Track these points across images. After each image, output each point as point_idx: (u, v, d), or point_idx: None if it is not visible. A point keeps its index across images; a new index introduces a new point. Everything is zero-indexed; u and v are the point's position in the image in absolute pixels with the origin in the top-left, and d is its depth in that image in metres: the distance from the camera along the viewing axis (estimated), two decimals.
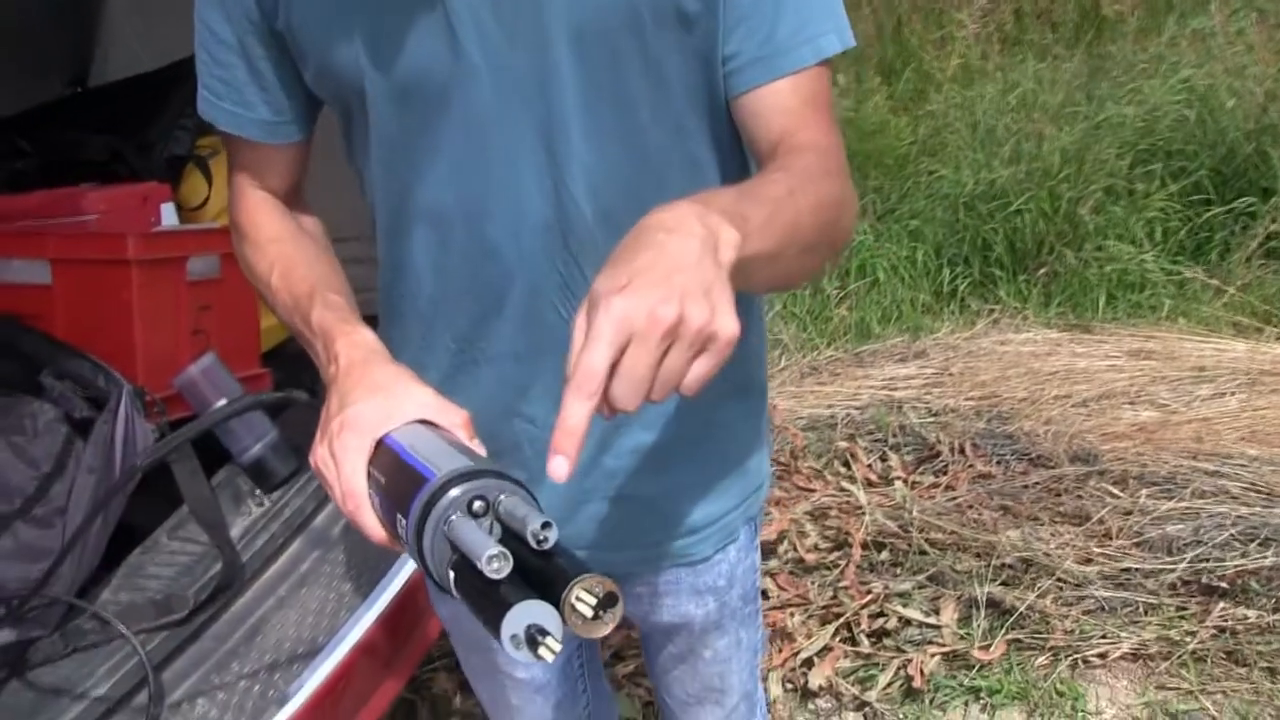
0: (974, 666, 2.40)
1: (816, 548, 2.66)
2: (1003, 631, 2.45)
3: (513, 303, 1.16)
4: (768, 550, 2.65)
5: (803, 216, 0.96)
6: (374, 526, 0.92)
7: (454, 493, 0.85)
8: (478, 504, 0.85)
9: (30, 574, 1.84)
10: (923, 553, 2.60)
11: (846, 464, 2.95)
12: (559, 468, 0.79)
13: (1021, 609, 2.48)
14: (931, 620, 2.49)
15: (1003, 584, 2.54)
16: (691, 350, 0.80)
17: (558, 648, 0.79)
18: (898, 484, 2.78)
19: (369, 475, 0.94)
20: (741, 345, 1.22)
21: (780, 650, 2.44)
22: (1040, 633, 2.47)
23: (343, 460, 0.93)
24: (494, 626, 0.79)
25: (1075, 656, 2.44)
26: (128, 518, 2.02)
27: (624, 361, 0.78)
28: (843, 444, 3.00)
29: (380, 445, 0.95)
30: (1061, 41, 5.48)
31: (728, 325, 0.81)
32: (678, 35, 1.07)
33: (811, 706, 2.42)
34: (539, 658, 0.79)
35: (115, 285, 2.05)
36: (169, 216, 2.28)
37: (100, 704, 1.69)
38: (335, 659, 1.82)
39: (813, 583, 2.57)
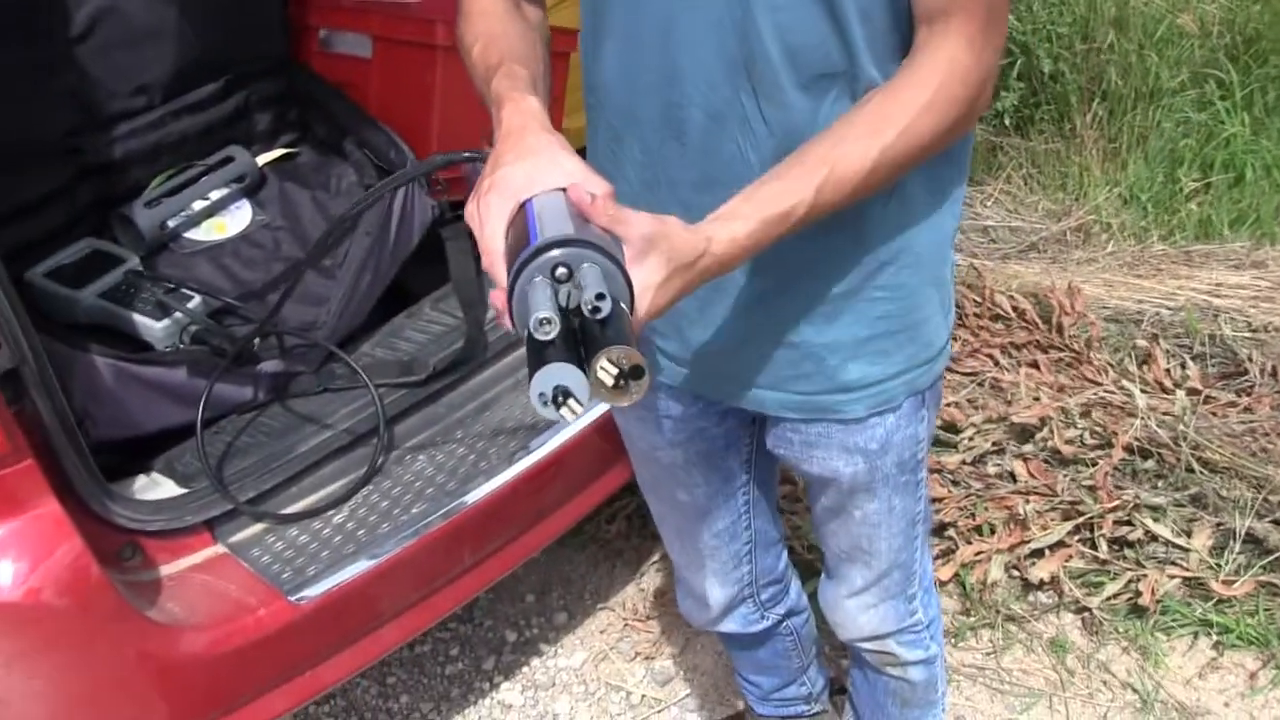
0: (1212, 599, 2.20)
1: (1082, 442, 2.48)
2: (1257, 570, 2.22)
3: (693, 129, 1.14)
4: (1025, 434, 2.50)
5: (840, 195, 1.03)
6: (503, 282, 0.94)
7: (542, 258, 0.88)
8: (560, 270, 0.88)
9: (309, 316, 2.01)
10: (1190, 470, 2.37)
11: (1143, 364, 2.71)
12: None
13: None
14: (1180, 541, 2.28)
15: (1273, 522, 2.29)
16: None
17: (579, 409, 0.83)
18: (1179, 394, 2.53)
19: (506, 235, 0.97)
20: (907, 212, 1.16)
21: (1010, 534, 2.32)
22: None
23: (486, 219, 0.96)
24: (529, 379, 0.84)
25: None
26: (409, 284, 2.17)
27: None
28: (1143, 343, 2.76)
29: (521, 208, 0.97)
30: None
31: None
32: None
33: (1030, 598, 2.30)
34: (561, 417, 0.84)
35: (422, 67, 2.14)
36: None
37: (335, 440, 1.85)
38: (549, 447, 1.89)
39: (1064, 476, 2.41)
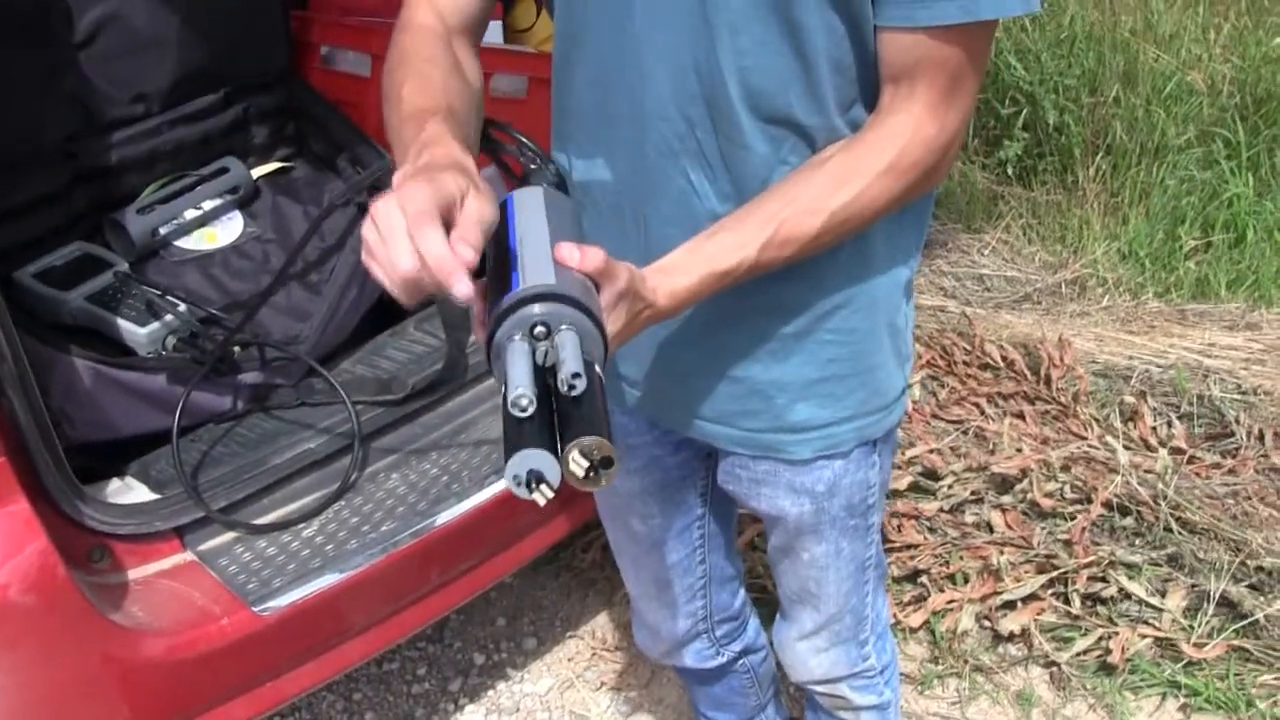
0: (1183, 661, 2.23)
1: (1061, 495, 2.52)
2: (1230, 634, 2.25)
3: (650, 158, 1.17)
4: (1005, 484, 2.54)
5: (785, 254, 1.09)
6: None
7: (521, 313, 0.89)
8: (539, 329, 0.89)
9: (292, 330, 2.06)
10: (1169, 530, 2.40)
11: (1129, 420, 2.76)
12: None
13: (1261, 618, 2.26)
14: (1154, 601, 2.32)
15: (1249, 586, 2.32)
16: None
17: (550, 494, 0.85)
18: (1163, 452, 2.57)
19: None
20: (866, 258, 1.20)
21: (983, 584, 2.36)
22: (1276, 650, 2.25)
23: (414, 216, 0.87)
24: (505, 458, 0.85)
25: None
26: (395, 303, 2.21)
27: None
28: (1130, 399, 2.80)
29: (501, 210, 0.97)
30: None
31: None
32: None
33: (1000, 649, 2.34)
34: (534, 499, 0.85)
35: None
36: (493, 34, 2.40)
37: (310, 454, 1.89)
38: None
39: (1041, 528, 2.44)
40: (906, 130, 1.08)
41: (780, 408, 1.28)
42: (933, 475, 2.58)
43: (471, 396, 2.05)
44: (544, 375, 0.89)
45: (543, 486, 0.85)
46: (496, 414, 2.05)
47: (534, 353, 0.89)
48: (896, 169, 1.08)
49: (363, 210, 2.17)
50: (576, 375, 0.86)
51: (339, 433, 1.92)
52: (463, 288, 0.85)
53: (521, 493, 0.85)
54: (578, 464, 0.85)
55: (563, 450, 0.85)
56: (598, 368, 0.90)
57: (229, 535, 1.78)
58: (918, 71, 1.07)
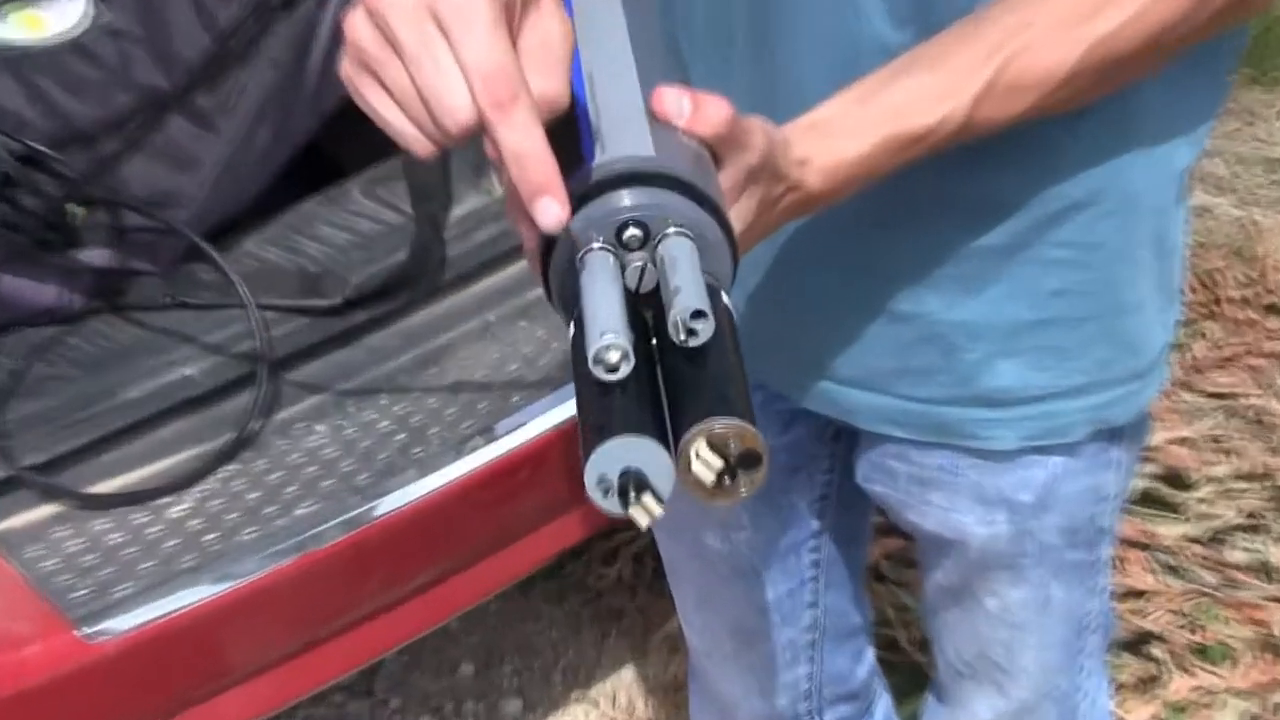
0: None
1: None
2: None
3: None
4: None
5: (1012, 110, 1.04)
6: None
7: (605, 206, 0.85)
8: (633, 232, 0.85)
9: (167, 184, 2.05)
10: None
11: None
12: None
13: None
14: None
15: None
16: None
17: (658, 511, 0.78)
18: None
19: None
20: (1125, 129, 1.18)
21: (1258, 666, 2.36)
22: None
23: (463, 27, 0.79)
24: (585, 450, 0.79)
25: None
26: (333, 152, 2.21)
27: None
28: None
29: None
30: None
31: None
32: None
33: None
34: (628, 516, 0.78)
35: None
36: None
37: (189, 385, 1.91)
38: (524, 436, 1.92)
39: None
40: None
41: (971, 366, 1.26)
42: (1178, 481, 2.58)
43: (449, 308, 2.07)
44: (637, 303, 0.83)
45: (646, 496, 0.78)
46: (485, 338, 2.06)
47: (623, 270, 0.84)
48: None
49: (285, 4, 2.17)
50: (699, 314, 0.79)
51: (235, 353, 1.93)
52: (553, 211, 0.80)
53: (610, 505, 0.77)
54: (705, 463, 0.78)
55: (679, 440, 0.78)
56: (725, 298, 0.85)
57: (46, 509, 1.79)
58: None
